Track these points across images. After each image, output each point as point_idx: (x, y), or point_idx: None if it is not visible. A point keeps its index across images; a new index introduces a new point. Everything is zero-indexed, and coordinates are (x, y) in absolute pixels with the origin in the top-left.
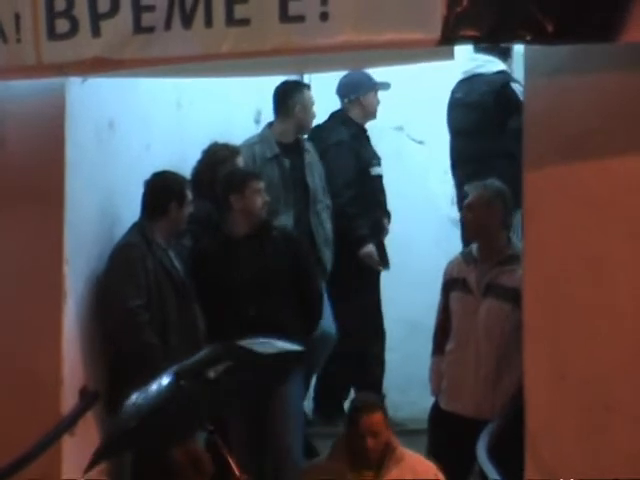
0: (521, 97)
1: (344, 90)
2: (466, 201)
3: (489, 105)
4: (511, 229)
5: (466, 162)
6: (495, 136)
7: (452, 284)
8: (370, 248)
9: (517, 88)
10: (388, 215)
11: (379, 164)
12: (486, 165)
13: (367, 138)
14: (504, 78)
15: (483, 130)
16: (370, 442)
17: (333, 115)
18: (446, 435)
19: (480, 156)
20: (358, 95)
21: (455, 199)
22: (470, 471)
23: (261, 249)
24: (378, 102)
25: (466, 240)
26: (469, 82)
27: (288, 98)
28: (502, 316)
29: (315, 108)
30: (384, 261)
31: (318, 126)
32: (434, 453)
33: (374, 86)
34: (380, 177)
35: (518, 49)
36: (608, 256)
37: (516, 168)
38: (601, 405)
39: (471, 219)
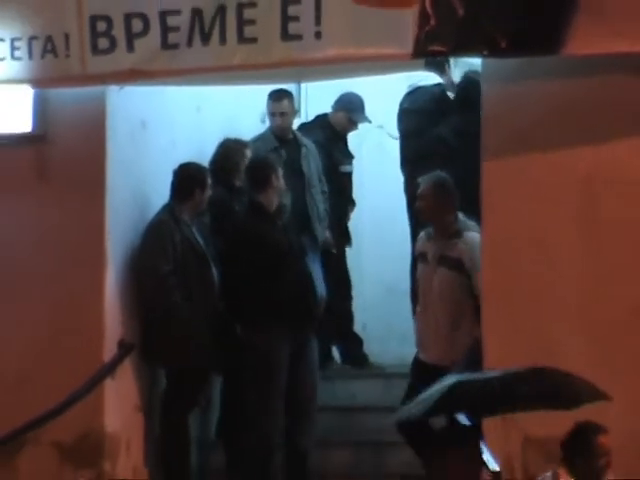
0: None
1: (338, 102)
2: (418, 192)
3: (431, 110)
4: (453, 210)
5: (412, 159)
6: (432, 135)
7: (418, 257)
8: (326, 235)
9: (451, 96)
10: (353, 203)
11: (350, 163)
12: (428, 160)
13: (343, 141)
14: (441, 89)
15: (424, 131)
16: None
17: (317, 117)
18: (417, 379)
19: (424, 153)
20: (346, 112)
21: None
22: None
23: (281, 221)
24: (353, 127)
25: (413, 223)
26: (413, 94)
27: (270, 104)
28: (450, 282)
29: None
30: (348, 240)
31: (303, 124)
32: (409, 394)
33: (351, 115)
34: (349, 174)
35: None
36: (553, 236)
37: (454, 159)
38: (546, 352)
39: (424, 205)
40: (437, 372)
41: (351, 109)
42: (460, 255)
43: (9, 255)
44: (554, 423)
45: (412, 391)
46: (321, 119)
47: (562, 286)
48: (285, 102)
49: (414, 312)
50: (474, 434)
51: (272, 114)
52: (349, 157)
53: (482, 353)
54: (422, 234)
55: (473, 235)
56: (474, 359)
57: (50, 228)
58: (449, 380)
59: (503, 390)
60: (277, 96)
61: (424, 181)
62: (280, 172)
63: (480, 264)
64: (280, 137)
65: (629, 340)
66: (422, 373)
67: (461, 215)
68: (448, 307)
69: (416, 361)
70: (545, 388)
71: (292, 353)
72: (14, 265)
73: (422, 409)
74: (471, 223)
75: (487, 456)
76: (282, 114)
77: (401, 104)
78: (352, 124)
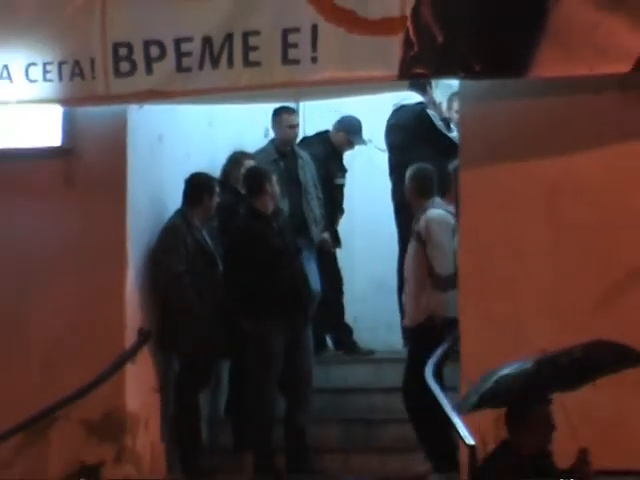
0: (434, 120)
1: (340, 123)
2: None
3: (413, 126)
4: (429, 195)
5: (398, 166)
6: (416, 149)
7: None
8: (325, 236)
9: (431, 114)
10: (342, 211)
11: (343, 176)
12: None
13: (340, 157)
14: (422, 107)
15: (408, 144)
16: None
17: (318, 133)
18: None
19: (407, 163)
20: (346, 133)
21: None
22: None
23: (277, 223)
24: (350, 147)
25: (400, 225)
26: (398, 111)
27: (278, 119)
28: (414, 252)
29: (298, 128)
30: (338, 242)
31: (305, 137)
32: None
33: (350, 137)
34: (342, 186)
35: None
36: (523, 239)
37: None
38: (516, 337)
39: (407, 190)
40: (413, 331)
41: (351, 131)
42: (419, 228)
43: (40, 254)
44: None
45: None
46: (322, 135)
47: (530, 282)
48: (295, 116)
49: (400, 304)
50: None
51: (287, 126)
52: (343, 171)
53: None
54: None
55: (432, 211)
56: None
57: (77, 231)
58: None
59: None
60: (291, 111)
61: (409, 170)
62: (274, 180)
63: (436, 237)
64: (280, 150)
65: (588, 327)
66: (408, 338)
67: (438, 199)
68: (413, 274)
69: (403, 329)
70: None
71: (289, 341)
72: (44, 263)
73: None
74: (442, 205)
75: (464, 432)
76: (293, 127)
77: (388, 120)
78: (350, 144)
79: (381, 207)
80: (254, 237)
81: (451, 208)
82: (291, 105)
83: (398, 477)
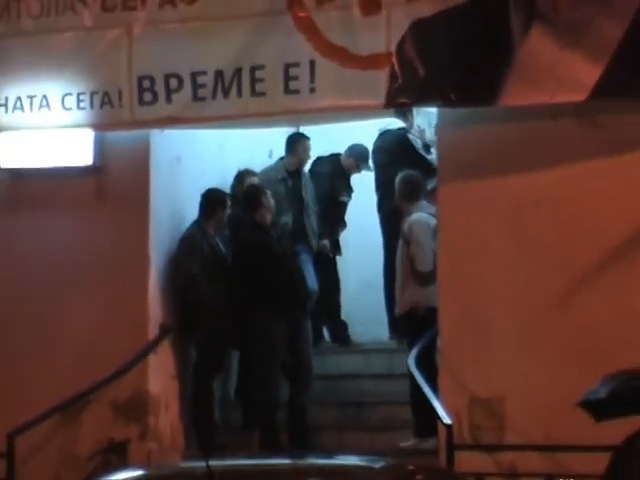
0: (414, 143)
1: (352, 150)
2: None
3: (396, 148)
4: (415, 199)
5: (383, 183)
6: (398, 168)
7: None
8: (325, 242)
9: (412, 138)
10: (344, 225)
11: (348, 195)
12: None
13: (347, 178)
14: (404, 132)
15: (392, 164)
16: None
17: (331, 155)
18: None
19: (391, 180)
20: (355, 159)
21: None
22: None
23: (275, 232)
24: (357, 171)
25: (386, 234)
26: (384, 135)
27: (298, 144)
28: (401, 251)
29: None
30: (339, 251)
31: (319, 157)
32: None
33: (359, 163)
34: (345, 203)
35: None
36: (492, 245)
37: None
38: (484, 331)
39: (396, 195)
40: (401, 319)
41: (360, 158)
42: (404, 230)
43: (75, 259)
44: (493, 387)
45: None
46: (334, 157)
47: (498, 283)
48: (310, 143)
49: (387, 301)
50: None
51: (303, 152)
52: (349, 191)
53: None
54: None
55: (415, 215)
56: (432, 338)
57: (107, 239)
58: None
59: None
60: (307, 138)
61: (398, 176)
62: (269, 194)
63: (417, 238)
64: (288, 170)
65: (548, 321)
66: (402, 324)
67: (425, 202)
68: (401, 270)
69: (392, 319)
70: None
71: (290, 334)
72: (78, 267)
73: None
74: (428, 207)
75: (442, 413)
76: (307, 152)
77: (374, 143)
78: (358, 168)
79: (369, 219)
80: (256, 245)
81: (434, 210)
82: (290, 130)
83: (386, 452)
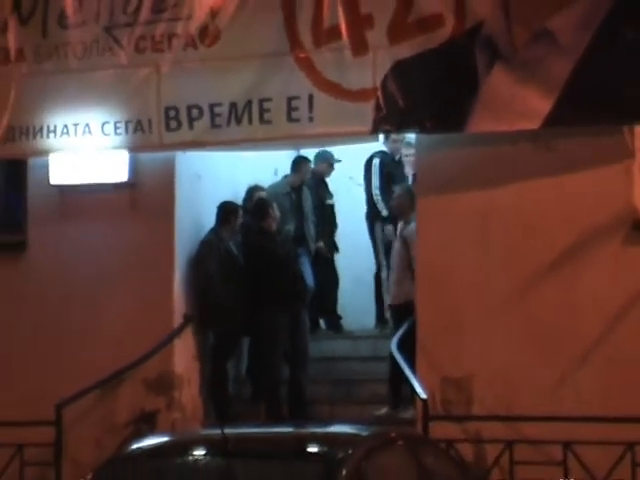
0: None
1: (319, 157)
2: (394, 195)
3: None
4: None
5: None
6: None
7: (389, 239)
8: (320, 244)
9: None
10: (336, 225)
11: (331, 198)
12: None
13: (325, 183)
14: (387, 154)
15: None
16: None
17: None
18: (390, 317)
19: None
20: (325, 160)
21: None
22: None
23: (279, 238)
24: (332, 170)
25: (372, 237)
26: (372, 157)
27: (302, 165)
28: (399, 251)
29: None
30: (335, 248)
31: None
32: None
33: (331, 161)
34: (332, 205)
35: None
36: (462, 249)
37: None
38: (454, 319)
39: (397, 204)
40: (396, 309)
41: (328, 158)
42: (406, 234)
43: (113, 259)
44: (462, 368)
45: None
46: (312, 171)
47: (466, 279)
48: (310, 165)
49: (375, 295)
50: None
51: (306, 172)
52: (330, 194)
53: None
54: (389, 227)
55: (414, 224)
56: (411, 326)
57: (139, 243)
58: None
59: None
60: (309, 161)
61: (399, 189)
62: (275, 206)
63: (413, 242)
64: (292, 186)
65: (508, 312)
66: (390, 312)
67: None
68: (397, 267)
69: (389, 306)
70: None
71: (291, 323)
72: (115, 266)
73: None
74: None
75: (419, 389)
76: (308, 172)
77: (366, 163)
78: (331, 167)
79: (358, 225)
80: (263, 249)
81: None
82: (291, 152)
83: (369, 419)
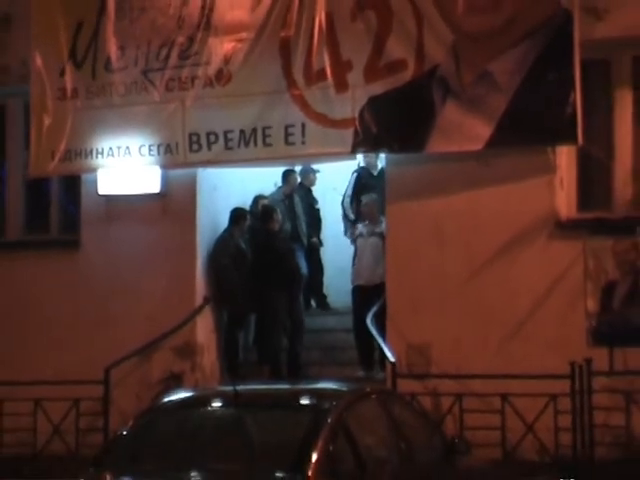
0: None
1: (305, 171)
2: (363, 203)
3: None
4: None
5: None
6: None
7: (358, 236)
8: (314, 240)
9: (373, 172)
10: (321, 225)
11: (317, 203)
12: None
13: (311, 192)
14: (364, 169)
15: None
16: None
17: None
18: (357, 297)
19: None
20: (310, 172)
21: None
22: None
23: (281, 236)
24: (315, 179)
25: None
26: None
27: (290, 177)
28: (376, 244)
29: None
30: (320, 243)
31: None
32: (355, 308)
33: (312, 172)
34: (318, 209)
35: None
36: (421, 245)
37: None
38: (420, 301)
39: (368, 210)
40: (366, 289)
41: (312, 170)
42: (382, 230)
43: (147, 254)
44: (423, 337)
45: (356, 306)
46: (299, 183)
47: (425, 266)
48: (297, 176)
49: (354, 279)
50: None
51: (294, 182)
52: (316, 200)
53: None
54: (360, 226)
55: (384, 224)
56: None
57: (168, 241)
58: None
59: None
60: (295, 172)
61: (366, 198)
62: (278, 211)
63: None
64: (286, 194)
65: (459, 294)
66: (358, 292)
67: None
68: (374, 255)
69: (355, 288)
70: None
71: (289, 304)
72: (150, 259)
73: None
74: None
75: (388, 354)
76: (296, 182)
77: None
78: (314, 177)
79: (340, 226)
80: (268, 245)
81: None
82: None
83: (349, 378)
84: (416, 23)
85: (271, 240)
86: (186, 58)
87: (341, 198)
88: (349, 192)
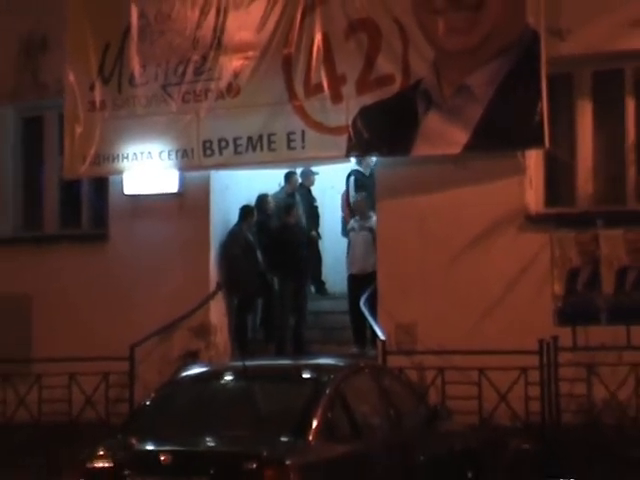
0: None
1: (305, 173)
2: (353, 200)
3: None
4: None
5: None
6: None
7: (350, 230)
8: (313, 233)
9: (365, 172)
10: (319, 219)
11: (315, 201)
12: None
13: (310, 192)
14: (358, 170)
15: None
16: None
17: (300, 184)
18: (351, 284)
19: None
20: (310, 174)
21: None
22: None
23: (295, 229)
24: (314, 180)
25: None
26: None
27: (291, 178)
28: (366, 237)
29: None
30: (319, 235)
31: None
32: (350, 295)
33: (312, 174)
34: (317, 207)
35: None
36: (408, 236)
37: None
38: (407, 285)
39: (358, 206)
40: (359, 277)
41: (312, 172)
42: (371, 225)
43: (168, 246)
44: (409, 317)
45: (351, 291)
46: (300, 184)
47: (411, 259)
48: (297, 177)
49: (348, 268)
50: None
51: (295, 183)
52: (315, 199)
53: None
54: (352, 221)
55: (374, 218)
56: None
57: (186, 235)
58: None
59: None
60: (296, 174)
61: (358, 195)
62: (298, 208)
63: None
64: (288, 193)
65: (439, 281)
66: (352, 280)
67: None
68: (365, 247)
69: (349, 276)
70: None
71: (294, 288)
72: (170, 251)
73: None
74: (373, 214)
75: (379, 332)
76: (297, 182)
77: (347, 176)
78: (314, 178)
79: (337, 221)
80: (283, 236)
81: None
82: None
83: (345, 354)
84: (402, 43)
85: (288, 232)
86: (200, 74)
87: (340, 198)
88: (352, 193)
